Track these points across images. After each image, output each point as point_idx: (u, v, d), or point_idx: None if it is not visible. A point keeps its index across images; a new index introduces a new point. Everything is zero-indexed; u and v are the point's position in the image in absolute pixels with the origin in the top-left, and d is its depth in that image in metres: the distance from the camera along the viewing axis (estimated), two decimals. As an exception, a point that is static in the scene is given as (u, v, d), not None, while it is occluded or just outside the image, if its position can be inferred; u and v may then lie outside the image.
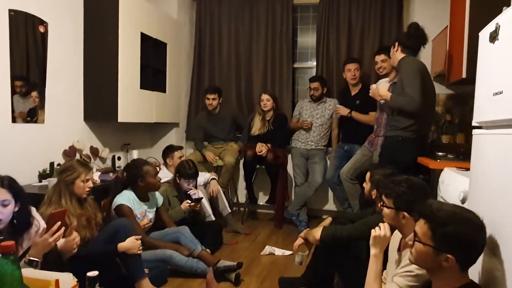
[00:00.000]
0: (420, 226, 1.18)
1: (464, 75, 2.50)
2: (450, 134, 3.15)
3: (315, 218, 3.93)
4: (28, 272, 1.09)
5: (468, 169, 1.87)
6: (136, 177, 2.60)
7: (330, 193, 4.04)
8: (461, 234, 1.10)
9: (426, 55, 3.31)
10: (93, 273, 1.06)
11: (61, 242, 1.67)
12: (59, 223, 1.61)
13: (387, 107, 2.81)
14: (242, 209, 4.08)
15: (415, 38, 2.55)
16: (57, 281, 1.18)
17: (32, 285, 1.04)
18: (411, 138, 2.45)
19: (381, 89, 2.64)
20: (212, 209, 3.38)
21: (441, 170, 2.12)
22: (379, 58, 3.22)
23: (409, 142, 2.45)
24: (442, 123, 3.28)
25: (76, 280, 1.28)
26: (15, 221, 1.68)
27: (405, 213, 1.57)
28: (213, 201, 3.47)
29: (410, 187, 1.60)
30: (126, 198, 2.56)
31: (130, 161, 2.87)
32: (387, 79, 2.75)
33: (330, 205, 4.12)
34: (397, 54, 2.56)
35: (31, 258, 1.54)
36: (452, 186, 1.81)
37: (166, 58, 4.01)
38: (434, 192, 2.10)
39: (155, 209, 2.76)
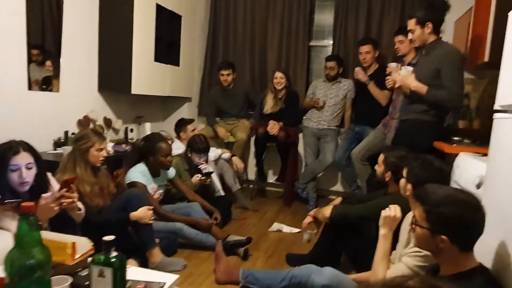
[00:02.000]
0: (418, 210, 1.21)
1: (486, 59, 2.42)
2: (467, 119, 3.09)
3: (323, 198, 3.95)
4: (46, 235, 1.12)
5: (485, 155, 1.84)
6: (147, 151, 2.61)
7: (339, 174, 4.03)
8: (453, 215, 1.12)
9: (447, 38, 3.21)
10: (109, 237, 1.09)
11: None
12: (64, 189, 1.64)
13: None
14: (251, 186, 4.11)
15: (442, 15, 2.40)
16: (74, 244, 1.21)
17: (50, 247, 1.07)
18: (431, 121, 2.38)
19: (411, 79, 2.37)
20: (221, 185, 3.42)
21: (456, 155, 2.09)
22: (396, 39, 3.15)
23: (428, 125, 2.38)
24: (459, 107, 3.21)
25: (92, 244, 1.32)
26: (33, 184, 1.73)
27: (409, 185, 1.63)
28: (222, 176, 3.51)
29: (423, 164, 1.64)
30: (140, 173, 2.58)
31: (151, 132, 2.88)
32: (410, 68, 2.51)
33: (338, 186, 4.12)
34: (427, 36, 2.38)
35: None
36: (468, 171, 1.78)
37: (180, 31, 3.96)
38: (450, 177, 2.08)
39: (165, 183, 2.80)
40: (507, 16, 1.42)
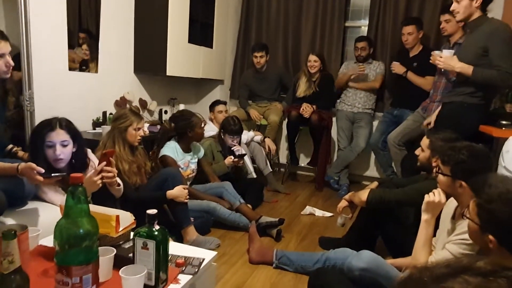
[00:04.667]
0: (472, 201, 1.11)
1: (541, 37, 2.24)
2: (516, 102, 2.90)
3: (355, 183, 3.87)
4: (91, 207, 1.14)
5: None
6: (186, 128, 2.66)
7: (372, 159, 3.94)
8: (505, 216, 0.99)
9: (496, 15, 3.00)
10: (152, 211, 1.10)
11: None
12: (104, 163, 1.67)
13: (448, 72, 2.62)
14: (282, 170, 4.10)
15: None
16: (117, 217, 1.24)
17: (95, 218, 1.10)
18: (477, 104, 2.24)
19: (454, 61, 2.24)
20: (253, 167, 3.43)
21: (505, 139, 1.97)
22: (442, 17, 2.97)
23: (474, 108, 2.24)
24: (507, 90, 3.02)
25: (134, 218, 1.35)
26: (73, 160, 1.79)
27: (463, 182, 1.47)
28: (253, 159, 3.51)
29: (471, 155, 1.49)
30: (172, 149, 2.64)
31: (177, 112, 2.92)
32: (451, 50, 2.40)
33: (372, 171, 4.02)
34: (473, 10, 2.21)
35: None
36: (520, 155, 1.67)
37: (214, 12, 3.94)
38: (496, 162, 1.97)
39: (196, 160, 2.83)
40: None
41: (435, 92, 2.96)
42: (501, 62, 2.09)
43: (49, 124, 1.71)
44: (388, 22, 3.75)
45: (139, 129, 2.24)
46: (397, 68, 3.35)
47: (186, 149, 2.74)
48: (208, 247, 2.26)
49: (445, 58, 2.31)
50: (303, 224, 2.83)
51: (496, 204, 1.01)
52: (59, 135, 1.71)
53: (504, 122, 2.28)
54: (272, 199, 3.32)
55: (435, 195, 1.61)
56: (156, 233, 1.11)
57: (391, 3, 3.71)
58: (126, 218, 1.30)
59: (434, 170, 1.69)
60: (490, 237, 1.02)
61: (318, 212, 3.04)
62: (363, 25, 4.06)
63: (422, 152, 2.05)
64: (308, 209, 3.07)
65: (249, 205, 2.77)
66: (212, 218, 2.54)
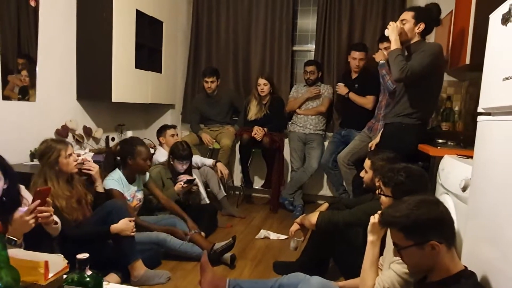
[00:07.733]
0: (393, 235, 1.21)
1: (468, 61, 2.44)
2: (450, 121, 3.12)
3: (310, 203, 3.92)
4: (16, 253, 1.05)
5: (469, 157, 1.84)
6: (127, 154, 2.53)
7: (325, 179, 4.02)
8: (426, 216, 1.14)
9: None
10: (83, 255, 1.02)
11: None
12: (38, 201, 1.55)
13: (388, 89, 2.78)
14: (237, 193, 4.06)
15: (433, 25, 2.45)
16: (46, 262, 1.14)
17: (20, 267, 1.00)
18: (414, 124, 2.39)
19: (395, 33, 2.39)
20: (207, 192, 3.36)
21: (441, 157, 2.09)
22: (381, 45, 3.16)
23: (412, 128, 2.39)
24: (443, 110, 3.25)
25: (67, 261, 1.25)
26: (4, 198, 1.63)
27: None
28: (207, 184, 3.45)
29: (409, 176, 1.59)
30: (116, 181, 2.50)
31: (130, 137, 2.82)
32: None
33: (326, 191, 4.10)
34: (414, 34, 2.41)
35: (10, 236, 1.50)
36: (453, 173, 1.77)
37: (162, 37, 3.90)
38: (433, 180, 2.07)
39: (141, 188, 2.72)
40: (487, 18, 1.42)
41: (379, 111, 3.12)
42: (414, 62, 2.30)
43: None
44: (333, 47, 3.92)
45: (70, 155, 2.09)
46: (341, 89, 3.53)
47: (131, 180, 2.61)
48: (157, 282, 2.16)
49: (391, 28, 2.44)
50: (257, 248, 2.80)
51: (413, 213, 1.16)
52: None
53: (440, 141, 2.43)
54: (226, 224, 3.26)
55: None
56: (87, 279, 1.02)
57: (334, 29, 3.90)
58: (58, 263, 1.19)
59: (377, 191, 1.75)
60: (431, 242, 1.12)
61: (273, 235, 3.03)
62: (310, 49, 4.22)
63: (366, 173, 2.11)
64: (263, 233, 3.04)
65: (202, 233, 2.70)
66: (162, 250, 2.43)
